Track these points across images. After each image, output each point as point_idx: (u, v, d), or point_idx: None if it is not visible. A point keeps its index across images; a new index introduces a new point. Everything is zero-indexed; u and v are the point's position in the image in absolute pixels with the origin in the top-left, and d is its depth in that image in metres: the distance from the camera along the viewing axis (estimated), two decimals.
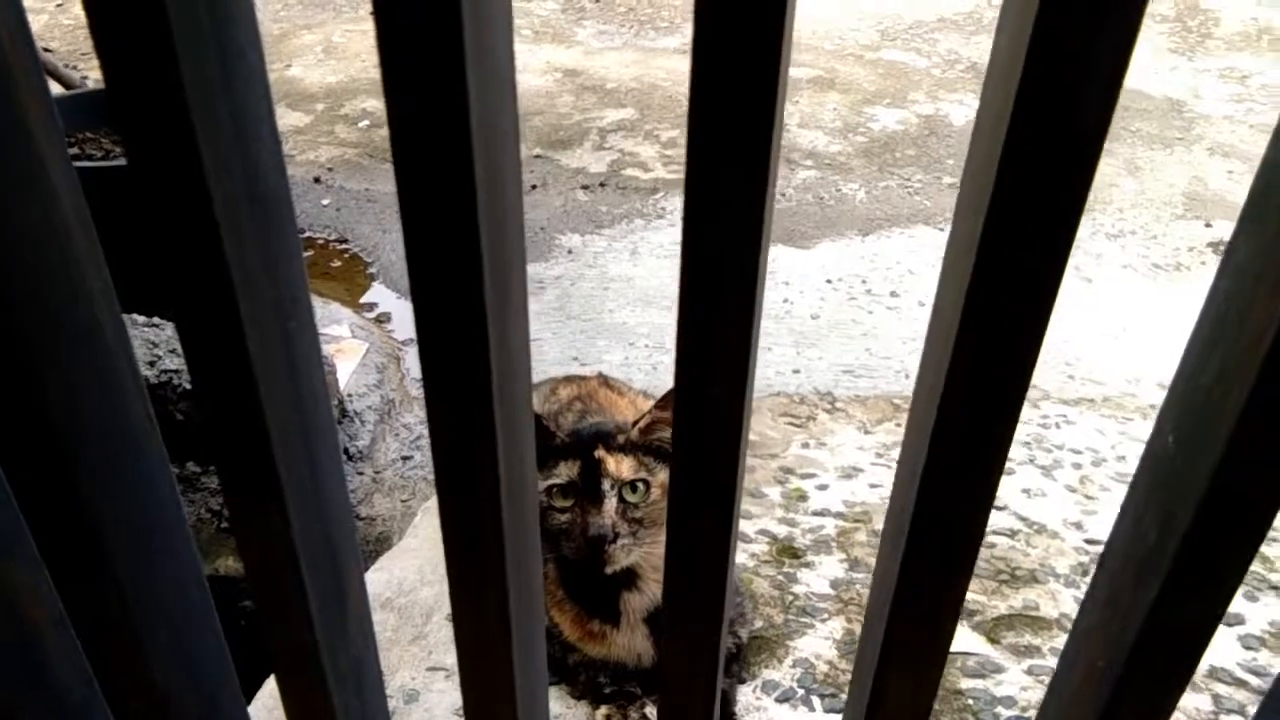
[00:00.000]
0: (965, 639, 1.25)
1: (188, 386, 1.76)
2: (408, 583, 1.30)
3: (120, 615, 0.56)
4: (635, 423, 1.06)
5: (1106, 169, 3.00)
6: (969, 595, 1.32)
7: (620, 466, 1.03)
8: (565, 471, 1.04)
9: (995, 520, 1.52)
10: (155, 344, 1.88)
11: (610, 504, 1.02)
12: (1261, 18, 4.14)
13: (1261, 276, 0.40)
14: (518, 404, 0.51)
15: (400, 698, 1.09)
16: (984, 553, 1.42)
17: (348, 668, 0.62)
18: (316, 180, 2.98)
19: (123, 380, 0.51)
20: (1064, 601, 1.33)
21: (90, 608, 0.55)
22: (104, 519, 0.52)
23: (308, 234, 2.73)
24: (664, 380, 1.97)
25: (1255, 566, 1.43)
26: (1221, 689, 1.16)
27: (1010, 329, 0.47)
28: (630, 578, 1.06)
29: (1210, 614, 0.49)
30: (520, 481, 0.53)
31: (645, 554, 1.04)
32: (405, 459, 1.98)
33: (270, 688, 1.09)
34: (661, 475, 1.03)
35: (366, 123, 3.29)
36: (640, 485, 1.03)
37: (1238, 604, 1.36)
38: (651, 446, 1.05)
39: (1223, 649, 1.23)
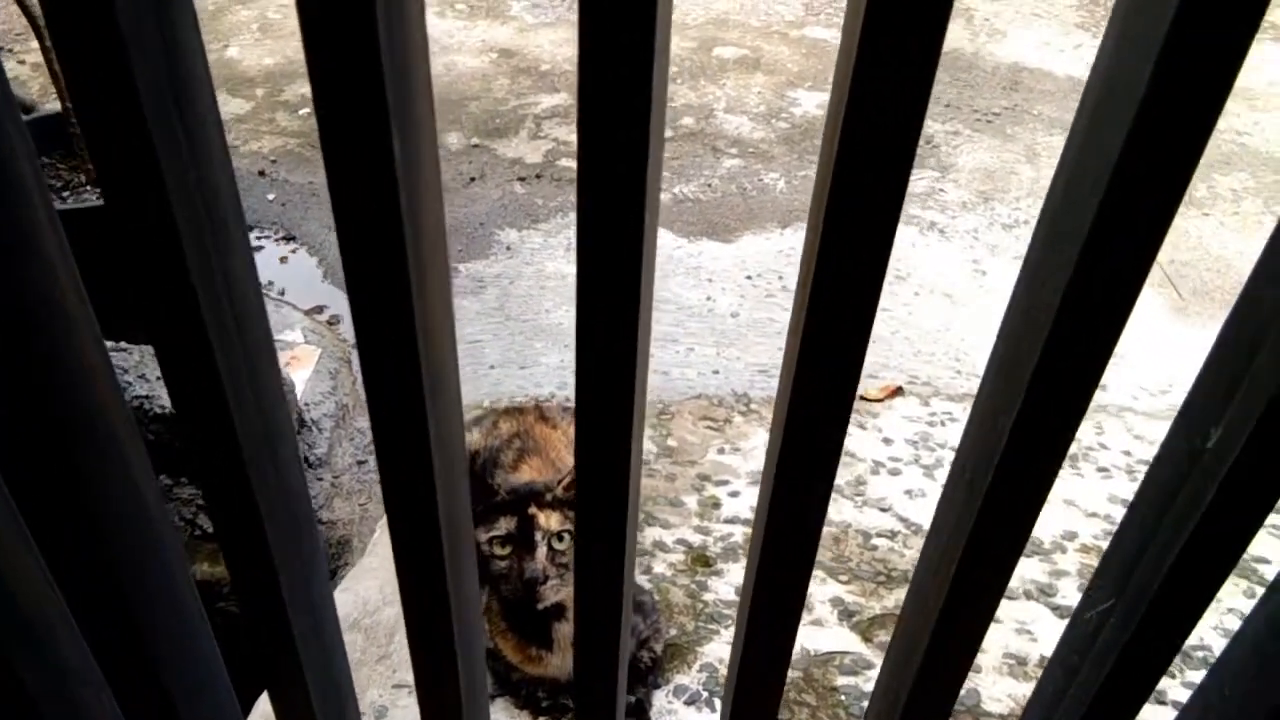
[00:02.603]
0: (842, 638, 1.50)
1: (158, 411, 1.92)
2: (371, 602, 1.51)
3: (123, 616, 0.68)
4: (560, 481, 1.27)
5: (1007, 156, 3.22)
6: (848, 596, 1.57)
7: (549, 520, 1.25)
8: (504, 525, 1.25)
9: (878, 522, 1.76)
10: (124, 369, 2.03)
11: (541, 552, 1.23)
12: None
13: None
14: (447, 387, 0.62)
15: (371, 715, 1.31)
16: (865, 555, 1.68)
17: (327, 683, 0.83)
18: (261, 174, 3.08)
19: (111, 403, 0.61)
20: None
21: (95, 607, 0.67)
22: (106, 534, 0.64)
23: (255, 232, 2.85)
24: None
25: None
26: None
27: (844, 331, 0.56)
28: (559, 611, 1.28)
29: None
30: (450, 460, 0.65)
31: (571, 592, 1.26)
32: (360, 463, 2.17)
33: (264, 708, 1.30)
34: None
35: (306, 110, 3.38)
36: (566, 535, 1.25)
37: None
38: (573, 502, 1.27)
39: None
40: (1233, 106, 3.44)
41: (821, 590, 1.58)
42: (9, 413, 0.56)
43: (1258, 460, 0.51)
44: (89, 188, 2.11)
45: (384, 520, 1.81)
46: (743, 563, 1.64)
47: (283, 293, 2.61)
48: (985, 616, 0.69)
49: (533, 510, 1.25)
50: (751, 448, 1.98)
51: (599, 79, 0.46)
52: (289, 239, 2.85)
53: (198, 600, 0.79)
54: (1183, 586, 0.57)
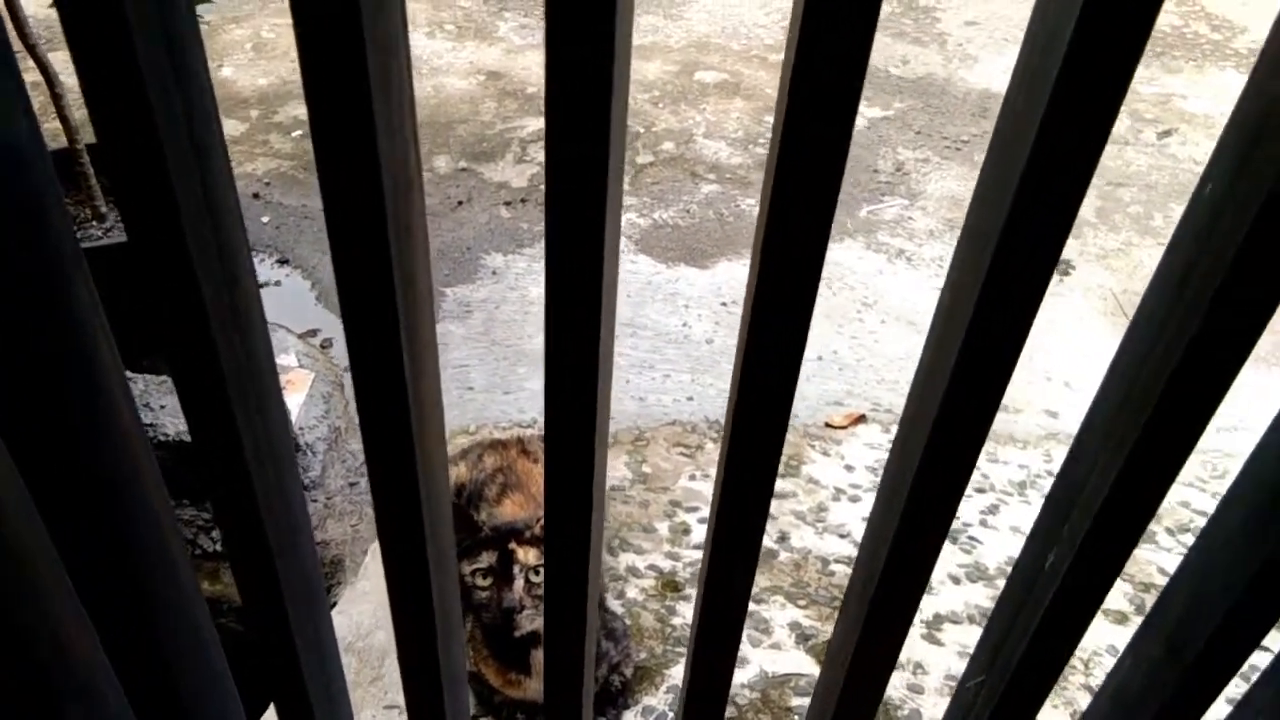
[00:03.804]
0: (799, 661, 1.63)
1: (161, 438, 2.04)
2: (364, 626, 1.63)
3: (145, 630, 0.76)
4: (539, 519, 1.40)
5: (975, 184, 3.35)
6: (806, 620, 1.71)
7: (527, 555, 1.38)
8: (486, 559, 1.38)
9: (837, 548, 1.89)
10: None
11: (519, 584, 1.36)
12: None
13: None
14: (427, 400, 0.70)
15: None
16: (823, 580, 1.81)
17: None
18: (255, 196, 3.19)
19: (130, 429, 0.67)
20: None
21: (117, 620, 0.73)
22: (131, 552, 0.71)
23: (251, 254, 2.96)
24: None
25: None
26: None
27: (774, 360, 0.64)
28: (535, 638, 1.41)
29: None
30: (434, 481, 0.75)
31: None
32: (352, 485, 2.30)
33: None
34: None
35: (299, 132, 3.49)
36: (542, 569, 1.37)
37: None
38: None
39: None
40: (1193, 135, 3.59)
41: (781, 615, 1.71)
42: (44, 436, 0.62)
43: (1085, 576, 0.64)
44: (94, 223, 2.22)
45: (375, 545, 1.93)
46: None
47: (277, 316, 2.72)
48: (899, 635, 0.81)
49: (512, 546, 1.38)
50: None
51: (563, 99, 0.51)
52: (283, 262, 2.97)
53: (207, 614, 0.90)
54: (1031, 672, 0.71)
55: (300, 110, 3.58)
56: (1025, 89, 0.52)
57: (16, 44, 1.68)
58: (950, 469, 0.68)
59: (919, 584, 0.76)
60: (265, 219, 3.10)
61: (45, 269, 0.56)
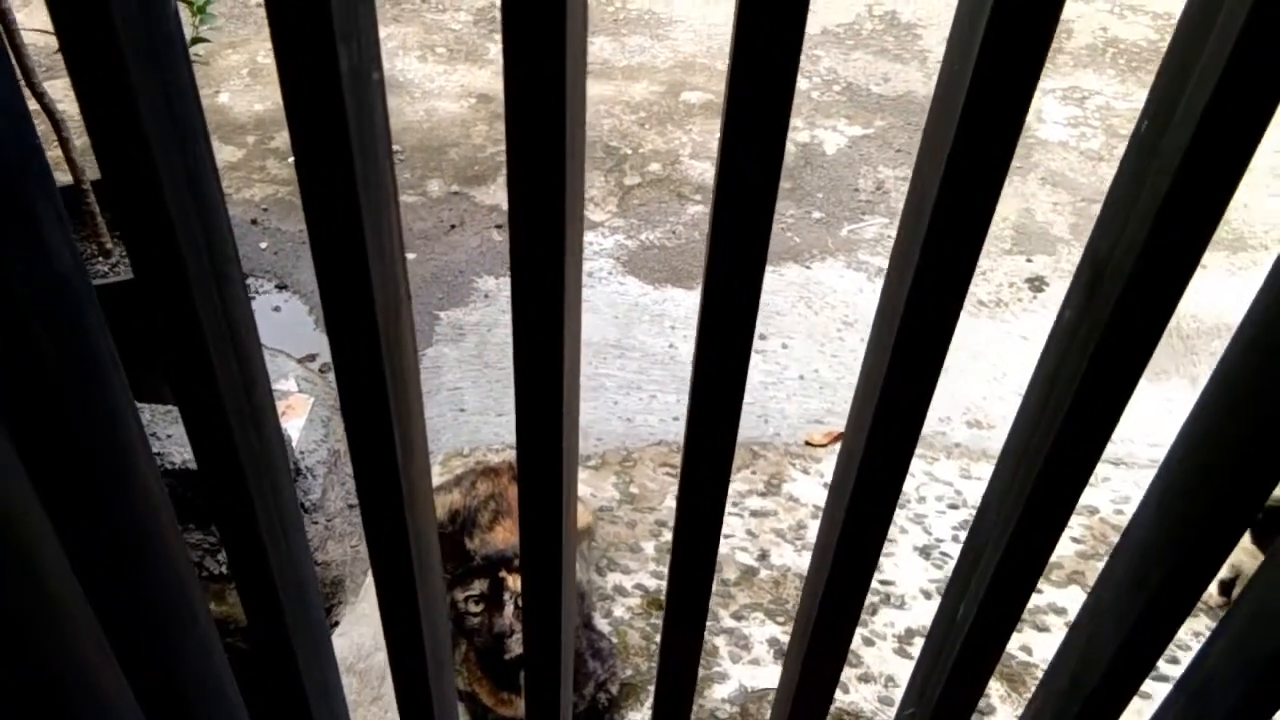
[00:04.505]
0: (776, 676, 1.72)
1: (167, 466, 2.13)
2: (364, 648, 1.72)
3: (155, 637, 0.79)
4: None
5: None
6: (784, 637, 1.80)
7: (517, 583, 1.47)
8: (478, 586, 1.47)
9: None
10: None
11: (509, 609, 1.46)
12: (1111, 28, 4.59)
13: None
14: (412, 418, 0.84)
15: None
16: (799, 596, 1.90)
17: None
18: (254, 222, 3.28)
19: (143, 465, 0.70)
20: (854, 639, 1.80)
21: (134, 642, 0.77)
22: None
23: (250, 280, 3.05)
24: None
25: None
26: None
27: (724, 375, 0.71)
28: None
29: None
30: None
31: None
32: (351, 507, 2.38)
33: None
34: None
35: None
36: None
37: None
38: None
39: None
40: None
41: (760, 631, 1.81)
42: (71, 486, 0.65)
43: (990, 624, 0.74)
44: (100, 259, 2.30)
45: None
46: None
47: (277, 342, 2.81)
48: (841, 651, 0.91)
49: (503, 574, 1.47)
50: None
51: (521, 118, 0.57)
52: (282, 287, 3.06)
53: (215, 633, 0.99)
54: (951, 709, 0.80)
55: None
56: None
57: (31, 101, 1.77)
58: (886, 472, 0.77)
59: (860, 592, 0.86)
60: (264, 244, 3.19)
61: (58, 302, 0.59)
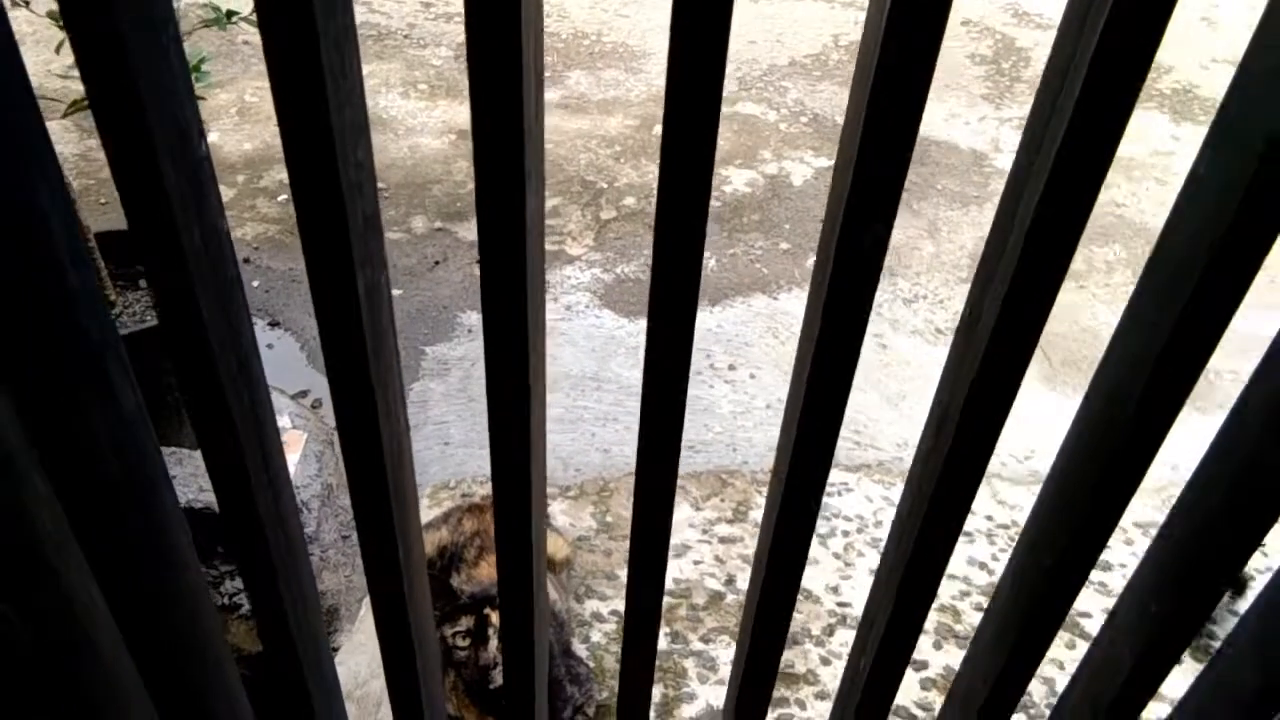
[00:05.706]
0: None
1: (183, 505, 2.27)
2: (361, 675, 1.87)
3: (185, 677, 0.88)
4: None
5: (911, 231, 3.63)
6: None
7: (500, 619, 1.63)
8: (464, 622, 1.63)
9: None
10: None
11: (493, 643, 1.61)
12: None
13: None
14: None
15: None
16: None
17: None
18: (246, 261, 3.42)
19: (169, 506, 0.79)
20: (812, 659, 1.97)
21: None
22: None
23: None
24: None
25: (943, 618, 2.10)
26: None
27: (667, 405, 1.00)
28: None
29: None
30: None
31: None
32: (344, 538, 2.54)
33: None
34: None
35: (284, 197, 3.72)
36: None
37: (923, 650, 2.02)
38: None
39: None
40: (1113, 178, 3.87)
41: (726, 654, 1.97)
42: (94, 501, 0.70)
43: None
44: (114, 306, 2.45)
45: (365, 599, 2.17)
46: (662, 630, 2.03)
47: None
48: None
49: (487, 610, 1.63)
50: (677, 521, 2.36)
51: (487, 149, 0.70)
52: (274, 324, 3.20)
53: (232, 660, 1.13)
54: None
55: (283, 174, 3.82)
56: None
57: None
58: (804, 497, 0.94)
59: (789, 603, 1.04)
60: (256, 283, 3.33)
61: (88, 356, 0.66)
